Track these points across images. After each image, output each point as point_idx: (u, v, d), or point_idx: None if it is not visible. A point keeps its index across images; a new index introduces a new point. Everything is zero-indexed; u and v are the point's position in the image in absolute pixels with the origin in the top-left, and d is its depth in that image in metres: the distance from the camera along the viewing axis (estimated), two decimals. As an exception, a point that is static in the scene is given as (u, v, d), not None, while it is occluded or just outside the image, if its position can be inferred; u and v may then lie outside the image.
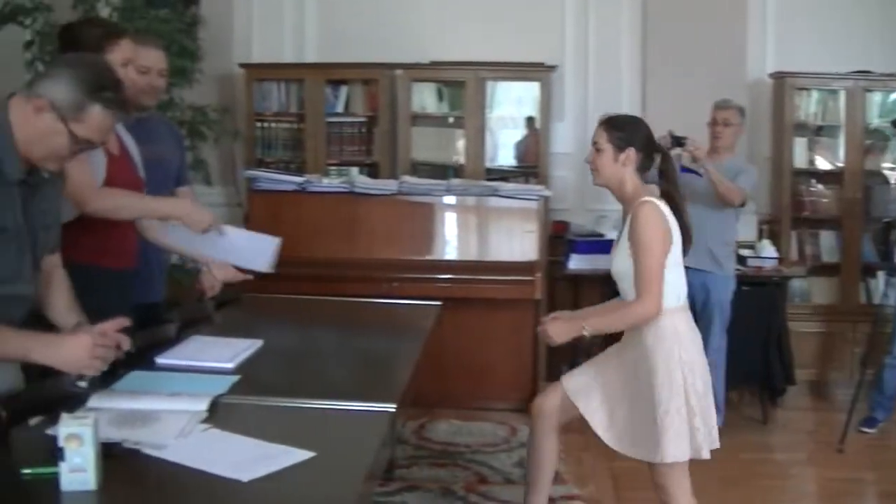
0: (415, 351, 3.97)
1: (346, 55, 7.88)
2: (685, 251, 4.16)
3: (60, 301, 3.17)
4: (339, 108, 7.97)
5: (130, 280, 4.14)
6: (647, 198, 4.05)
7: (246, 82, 7.87)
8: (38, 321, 3.14)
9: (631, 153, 4.08)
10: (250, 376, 3.47)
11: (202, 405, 2.94)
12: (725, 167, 6.11)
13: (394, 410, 3.08)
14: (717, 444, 4.06)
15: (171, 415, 2.86)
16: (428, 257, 6.58)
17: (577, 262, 7.39)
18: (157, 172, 4.47)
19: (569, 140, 8.03)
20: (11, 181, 2.84)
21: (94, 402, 2.86)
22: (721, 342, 6.25)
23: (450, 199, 6.68)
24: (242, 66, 7.91)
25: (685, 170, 6.06)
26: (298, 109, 7.94)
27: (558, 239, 7.65)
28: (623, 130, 4.11)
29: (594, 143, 4.12)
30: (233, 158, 8.14)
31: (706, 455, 4.01)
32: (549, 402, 4.38)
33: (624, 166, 4.09)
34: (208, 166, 6.78)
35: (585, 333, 4.03)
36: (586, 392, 4.22)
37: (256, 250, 4.27)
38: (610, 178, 4.13)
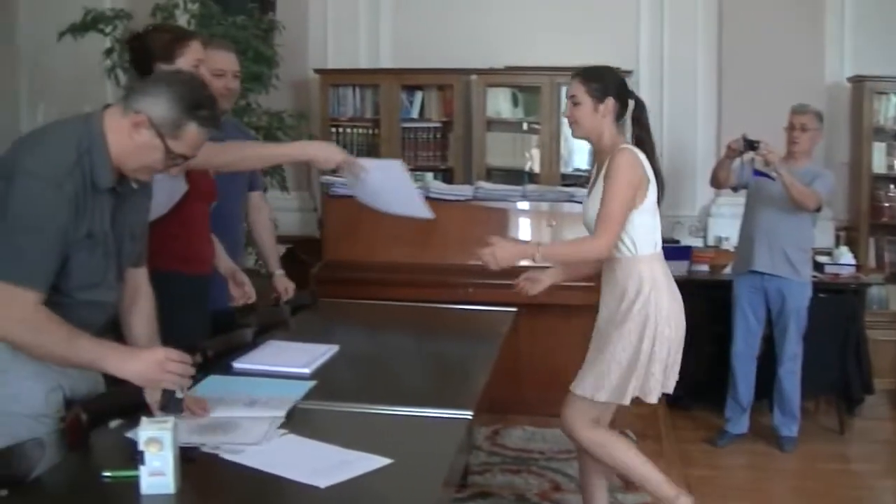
0: (490, 357, 3.95)
1: (421, 61, 7.90)
2: (660, 197, 4.18)
3: (141, 322, 3.21)
4: (414, 114, 7.99)
5: (208, 286, 4.18)
6: (625, 145, 4.09)
7: (321, 88, 7.92)
8: (116, 329, 3.18)
9: (610, 103, 4.13)
10: (327, 381, 3.48)
11: (281, 412, 2.94)
12: (802, 172, 6.01)
13: (471, 417, 3.07)
14: (669, 390, 4.18)
15: (250, 422, 2.88)
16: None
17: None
18: (231, 176, 4.51)
19: (644, 145, 7.95)
20: (101, 189, 2.88)
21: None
22: (797, 349, 6.16)
23: (524, 205, 6.63)
24: (318, 71, 7.96)
25: (758, 173, 5.99)
26: (373, 115, 7.96)
27: (634, 245, 7.57)
28: (599, 81, 4.14)
29: (571, 97, 4.14)
30: (308, 164, 8.19)
31: (653, 400, 4.13)
32: None
33: (603, 117, 4.13)
34: (284, 172, 6.81)
35: (536, 259, 4.01)
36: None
37: (406, 195, 4.19)
38: (590, 131, 4.17)
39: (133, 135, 2.84)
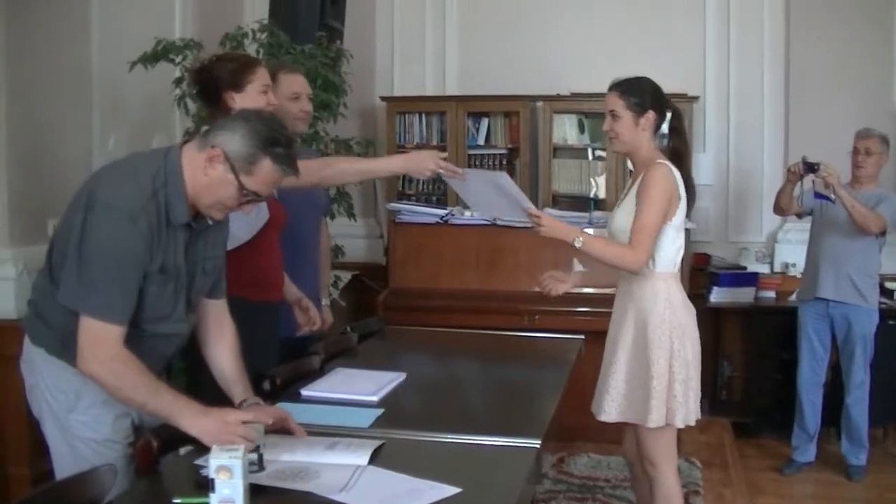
0: (558, 385, 3.94)
1: (487, 87, 7.94)
2: (689, 209, 4.20)
3: (226, 357, 3.24)
4: (480, 141, 7.99)
5: (279, 312, 4.22)
6: (661, 160, 4.07)
7: (388, 115, 7.97)
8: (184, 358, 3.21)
9: (651, 116, 4.10)
10: (394, 409, 3.49)
11: (364, 459, 2.85)
12: (867, 196, 5.96)
13: (538, 446, 3.06)
14: (694, 417, 4.10)
15: (331, 469, 2.78)
16: (570, 290, 6.51)
17: (718, 295, 7.29)
18: (307, 202, 4.58)
19: (710, 171, 7.93)
20: (177, 224, 2.93)
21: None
22: (864, 377, 6.09)
23: (591, 231, 6.60)
24: (384, 98, 8.02)
25: (819, 196, 5.94)
26: (440, 141, 7.98)
27: (700, 271, 7.54)
28: (639, 94, 4.11)
29: (611, 111, 4.10)
30: (375, 191, 8.25)
31: (679, 424, 4.05)
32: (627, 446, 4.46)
33: (643, 130, 4.11)
34: (351, 199, 6.86)
35: (577, 244, 4.01)
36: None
37: (511, 204, 4.19)
38: (630, 144, 4.14)
39: (207, 169, 2.87)
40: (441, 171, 4.00)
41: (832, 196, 5.78)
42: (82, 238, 2.79)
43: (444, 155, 4.06)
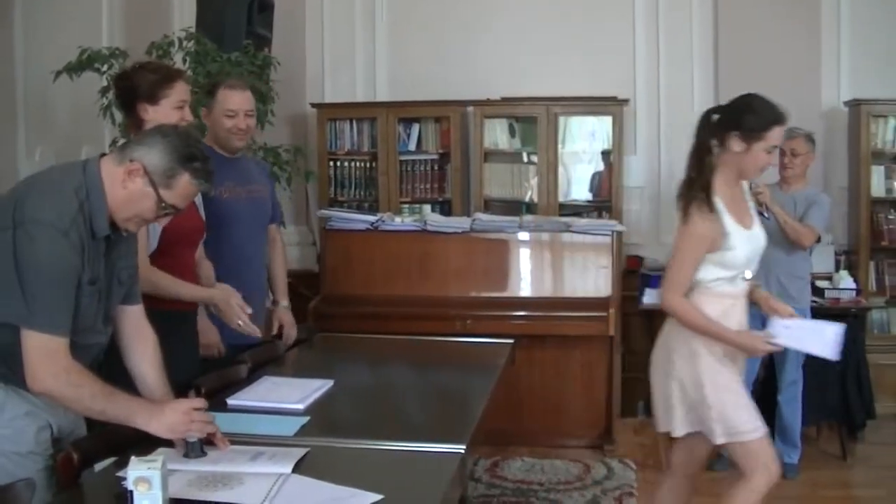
0: (487, 389, 3.93)
1: (418, 93, 7.93)
2: None
3: (147, 364, 3.22)
4: (412, 146, 8.00)
5: (195, 321, 4.19)
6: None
7: (318, 122, 7.95)
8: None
9: None
10: (320, 417, 3.48)
11: (287, 468, 2.84)
12: (797, 197, 6.02)
13: (463, 451, 3.06)
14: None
15: (254, 478, 2.77)
16: (501, 294, 6.53)
17: (651, 297, 7.30)
18: (255, 211, 4.65)
19: (641, 173, 8.01)
20: (100, 237, 2.93)
21: (174, 463, 2.80)
22: (796, 376, 6.14)
23: (523, 236, 6.62)
24: (314, 105, 8.00)
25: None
26: (371, 148, 7.98)
27: (632, 274, 7.58)
28: None
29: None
30: (306, 198, 8.21)
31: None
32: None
33: None
34: (281, 207, 6.81)
35: None
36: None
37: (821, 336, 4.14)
38: None
39: (127, 183, 2.90)
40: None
41: (766, 214, 5.85)
42: (17, 256, 2.78)
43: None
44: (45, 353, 2.80)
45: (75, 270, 2.85)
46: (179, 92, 3.89)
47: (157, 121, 3.75)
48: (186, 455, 2.87)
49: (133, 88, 3.87)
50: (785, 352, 6.04)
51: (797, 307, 6.02)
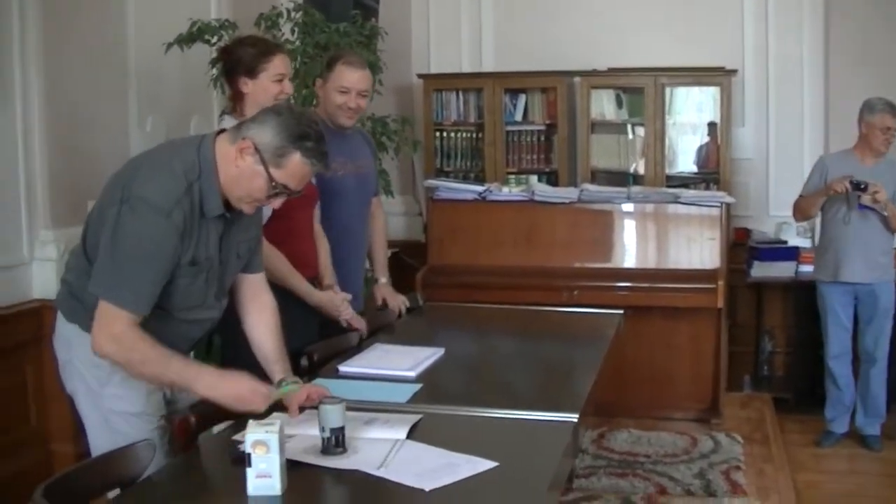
0: (596, 360, 3.93)
1: (524, 64, 7.90)
2: None
3: (265, 333, 3.25)
4: (518, 117, 7.98)
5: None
6: None
7: (425, 93, 7.97)
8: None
9: None
10: (432, 385, 3.51)
11: (402, 433, 2.87)
12: (883, 168, 6.10)
13: (576, 421, 3.07)
14: None
15: (369, 444, 2.80)
16: (608, 265, 6.49)
17: (759, 270, 7.25)
18: (361, 186, 4.65)
19: (749, 145, 7.87)
20: (210, 217, 2.97)
21: (290, 428, 2.81)
22: (887, 349, 6.23)
23: (629, 207, 6.58)
24: (421, 76, 8.01)
25: (863, 207, 5.96)
26: (477, 119, 7.98)
27: (740, 246, 7.50)
28: None
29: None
30: (412, 168, 8.25)
31: None
32: None
33: None
34: (388, 177, 6.85)
35: None
36: None
37: None
38: None
39: (238, 161, 2.91)
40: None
41: (884, 211, 5.88)
42: (115, 231, 2.83)
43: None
44: (106, 319, 2.85)
45: (170, 253, 2.88)
46: (278, 65, 3.91)
47: (256, 94, 3.84)
48: (324, 451, 2.75)
49: (233, 62, 3.91)
50: (880, 327, 6.08)
51: (888, 280, 6.12)
